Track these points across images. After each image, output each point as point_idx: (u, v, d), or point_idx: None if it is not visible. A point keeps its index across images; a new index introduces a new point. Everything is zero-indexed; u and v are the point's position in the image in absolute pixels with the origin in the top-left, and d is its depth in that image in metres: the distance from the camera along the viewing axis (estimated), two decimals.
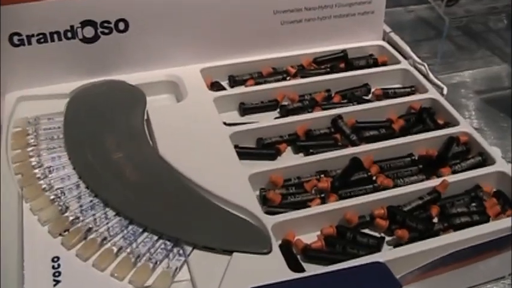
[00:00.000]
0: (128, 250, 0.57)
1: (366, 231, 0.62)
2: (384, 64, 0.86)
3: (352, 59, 0.85)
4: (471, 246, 0.55)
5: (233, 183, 0.63)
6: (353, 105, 0.77)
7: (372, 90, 0.82)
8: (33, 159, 0.66)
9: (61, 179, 0.64)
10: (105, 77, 0.77)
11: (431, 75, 0.85)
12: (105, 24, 0.74)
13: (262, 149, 0.70)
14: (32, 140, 0.68)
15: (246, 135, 0.70)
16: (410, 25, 1.06)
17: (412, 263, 0.54)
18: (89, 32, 0.74)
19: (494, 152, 0.69)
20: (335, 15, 0.85)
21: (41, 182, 0.63)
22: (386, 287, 0.53)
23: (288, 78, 0.82)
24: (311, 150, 0.69)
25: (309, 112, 0.75)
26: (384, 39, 0.90)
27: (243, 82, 0.81)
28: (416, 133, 0.72)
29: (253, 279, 0.53)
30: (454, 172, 0.67)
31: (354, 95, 0.80)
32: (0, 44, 0.71)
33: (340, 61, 0.86)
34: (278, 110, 0.77)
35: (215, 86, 0.80)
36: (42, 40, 0.73)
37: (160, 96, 0.78)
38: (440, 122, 0.75)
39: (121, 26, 0.75)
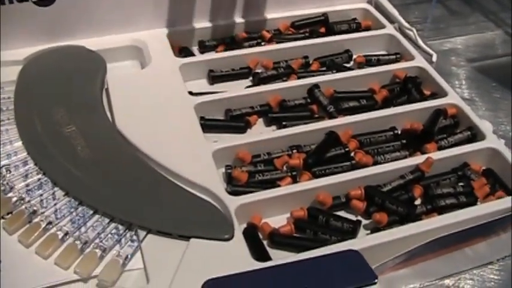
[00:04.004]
0: (75, 235, 0.52)
1: (341, 213, 0.57)
2: (368, 29, 0.81)
3: (333, 23, 0.80)
4: (456, 232, 0.51)
5: (194, 160, 0.58)
6: (332, 73, 0.71)
7: (354, 57, 0.76)
8: None
9: (7, 154, 0.59)
10: (63, 42, 0.71)
11: (420, 41, 0.82)
12: None
13: (231, 121, 0.65)
14: None
15: (213, 105, 0.65)
16: None
17: (390, 250, 0.50)
18: None
19: (485, 126, 0.64)
20: None
21: None
22: (360, 278, 0.48)
23: (262, 43, 0.76)
24: (284, 123, 0.64)
25: (283, 81, 0.70)
26: (370, 3, 0.84)
27: (213, 48, 0.76)
28: (400, 104, 0.67)
29: (212, 269, 0.48)
30: (440, 148, 0.63)
31: (334, 62, 0.75)
32: None
33: (320, 25, 0.80)
34: (250, 78, 0.72)
35: (183, 52, 0.74)
36: None
37: (123, 62, 0.73)
38: (427, 92, 0.70)
39: None
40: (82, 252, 0.51)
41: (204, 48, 0.76)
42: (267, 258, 0.51)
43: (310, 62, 0.74)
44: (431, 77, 0.70)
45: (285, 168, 0.60)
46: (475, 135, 0.63)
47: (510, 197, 0.56)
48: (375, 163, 0.60)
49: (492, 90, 0.77)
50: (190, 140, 0.60)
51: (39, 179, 0.57)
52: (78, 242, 0.51)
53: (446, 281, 0.53)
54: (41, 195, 0.55)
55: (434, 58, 0.79)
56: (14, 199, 0.54)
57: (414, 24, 0.85)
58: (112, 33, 0.73)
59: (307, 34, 0.78)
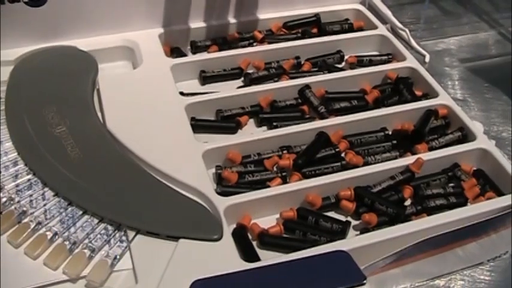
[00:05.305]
0: (64, 236, 0.52)
1: (331, 214, 0.57)
2: (360, 29, 0.80)
3: (326, 24, 0.79)
4: (447, 233, 0.50)
5: (184, 160, 0.57)
6: (324, 74, 0.71)
7: (346, 57, 0.76)
8: None
9: None
10: (54, 43, 0.71)
11: (413, 42, 0.82)
12: None
13: (221, 121, 0.65)
14: None
15: (204, 106, 0.65)
16: None
17: (380, 251, 0.49)
18: None
19: (476, 126, 0.64)
20: None
21: None
22: (348, 279, 0.47)
23: (254, 44, 0.76)
24: (275, 123, 0.64)
25: (275, 81, 0.70)
26: (363, 3, 0.84)
27: (205, 48, 0.75)
28: (391, 105, 0.67)
29: (200, 270, 0.48)
30: (431, 149, 0.62)
31: (326, 62, 0.74)
32: None
33: (312, 26, 0.80)
34: (242, 78, 0.72)
35: (175, 53, 0.74)
36: None
37: (114, 63, 0.73)
38: (419, 93, 0.69)
39: None
40: (71, 252, 0.51)
41: (195, 48, 0.75)
42: (256, 258, 0.51)
43: (302, 62, 0.74)
44: (423, 78, 0.70)
45: (275, 169, 0.60)
46: (466, 135, 0.63)
47: (499, 198, 0.56)
48: (365, 164, 0.60)
49: (485, 91, 0.77)
50: (180, 141, 0.60)
51: (29, 180, 0.56)
52: (67, 243, 0.51)
53: (437, 282, 0.53)
54: (31, 195, 0.55)
55: (427, 59, 0.79)
56: (4, 199, 0.54)
57: (407, 24, 0.85)
58: (104, 34, 0.73)
59: (299, 34, 0.77)
